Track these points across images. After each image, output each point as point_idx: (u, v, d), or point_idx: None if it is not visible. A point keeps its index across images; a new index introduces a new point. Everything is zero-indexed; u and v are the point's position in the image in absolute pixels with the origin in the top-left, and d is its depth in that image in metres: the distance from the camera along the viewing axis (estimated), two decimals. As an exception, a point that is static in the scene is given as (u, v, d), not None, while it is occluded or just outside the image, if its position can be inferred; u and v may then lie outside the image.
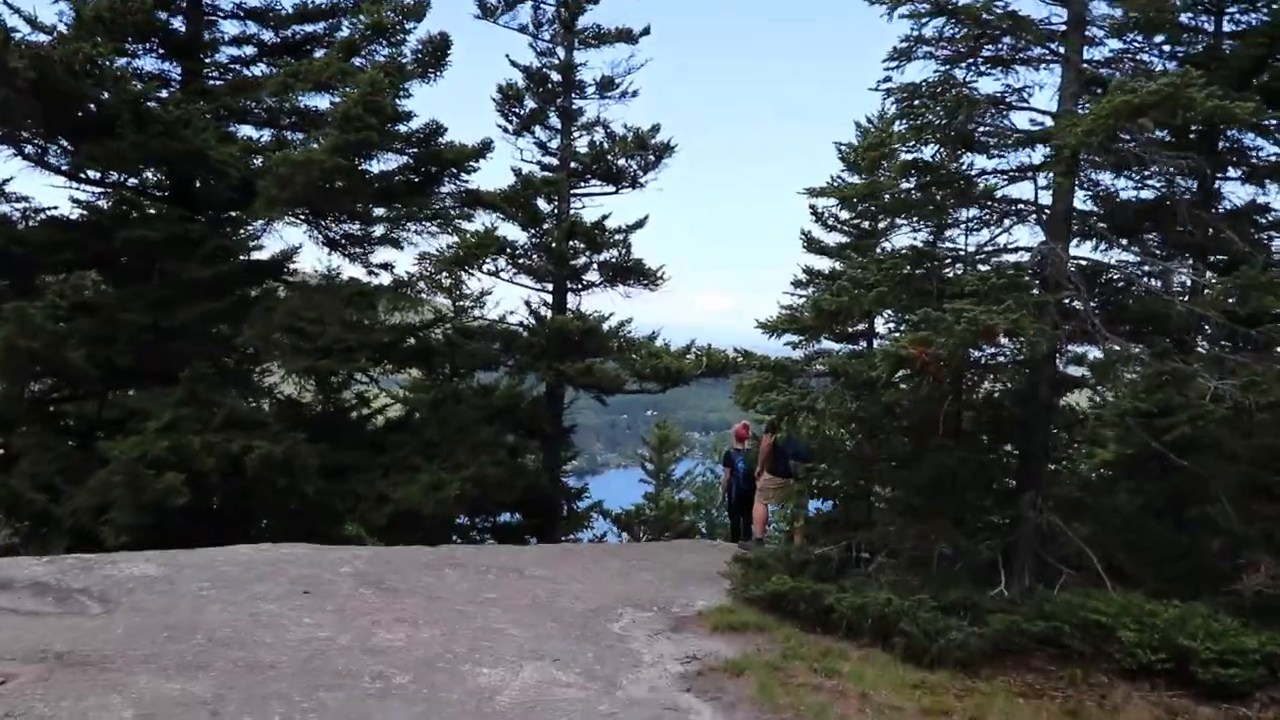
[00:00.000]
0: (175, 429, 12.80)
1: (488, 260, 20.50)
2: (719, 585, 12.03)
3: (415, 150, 16.21)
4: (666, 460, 48.72)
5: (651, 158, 20.53)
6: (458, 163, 16.11)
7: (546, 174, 19.78)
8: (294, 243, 16.33)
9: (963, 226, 12.63)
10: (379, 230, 16.74)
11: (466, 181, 17.04)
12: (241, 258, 16.28)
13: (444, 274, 13.31)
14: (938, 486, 11.75)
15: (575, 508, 22.33)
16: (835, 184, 17.10)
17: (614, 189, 20.88)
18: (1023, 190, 26.77)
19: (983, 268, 11.42)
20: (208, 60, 16.99)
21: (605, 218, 19.96)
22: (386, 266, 15.84)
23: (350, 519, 13.59)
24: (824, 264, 21.40)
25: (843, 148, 20.90)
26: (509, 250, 20.51)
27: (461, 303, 23.17)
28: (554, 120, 20.69)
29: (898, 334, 11.45)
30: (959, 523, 11.63)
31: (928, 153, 12.16)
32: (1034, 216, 11.84)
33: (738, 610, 10.47)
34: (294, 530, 14.24)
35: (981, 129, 11.90)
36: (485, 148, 16.46)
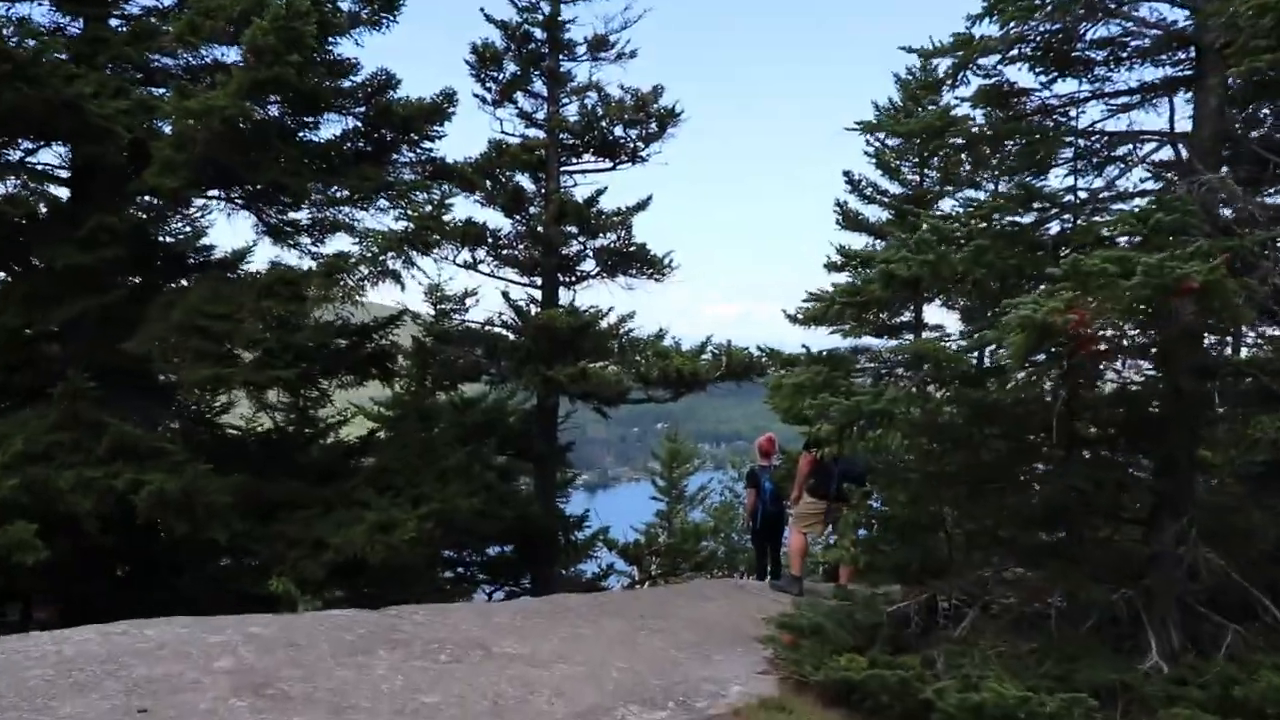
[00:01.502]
0: (40, 460, 9.79)
1: (464, 250, 17.54)
2: (755, 654, 8.97)
3: (363, 110, 13.18)
4: (678, 476, 45.80)
5: (654, 126, 17.42)
6: (414, 122, 13.04)
7: (529, 140, 16.68)
8: (247, 239, 12.87)
9: (1063, 169, 9.60)
10: (331, 215, 13.66)
11: (429, 150, 14.00)
12: (166, 242, 13.26)
13: (391, 256, 10.24)
14: (1052, 515, 8.65)
15: (575, 539, 19.23)
16: (893, 115, 14.10)
17: (610, 164, 17.79)
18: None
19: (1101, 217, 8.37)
20: (115, 13, 13.95)
21: (600, 193, 16.88)
22: (314, 241, 12.75)
23: (279, 572, 10.56)
24: (862, 242, 18.36)
25: (883, 103, 17.80)
26: (490, 239, 17.47)
27: (443, 305, 20.23)
28: (539, 86, 17.62)
29: (1008, 308, 8.38)
30: (1074, 561, 8.54)
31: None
32: (1160, 148, 8.81)
33: (790, 704, 7.35)
34: (223, 592, 11.22)
35: (1091, 36, 8.88)
36: (447, 101, 13.34)
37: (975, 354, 8.66)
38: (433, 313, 19.68)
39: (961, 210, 8.54)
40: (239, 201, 14.04)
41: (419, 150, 13.86)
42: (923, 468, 9.40)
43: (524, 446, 17.69)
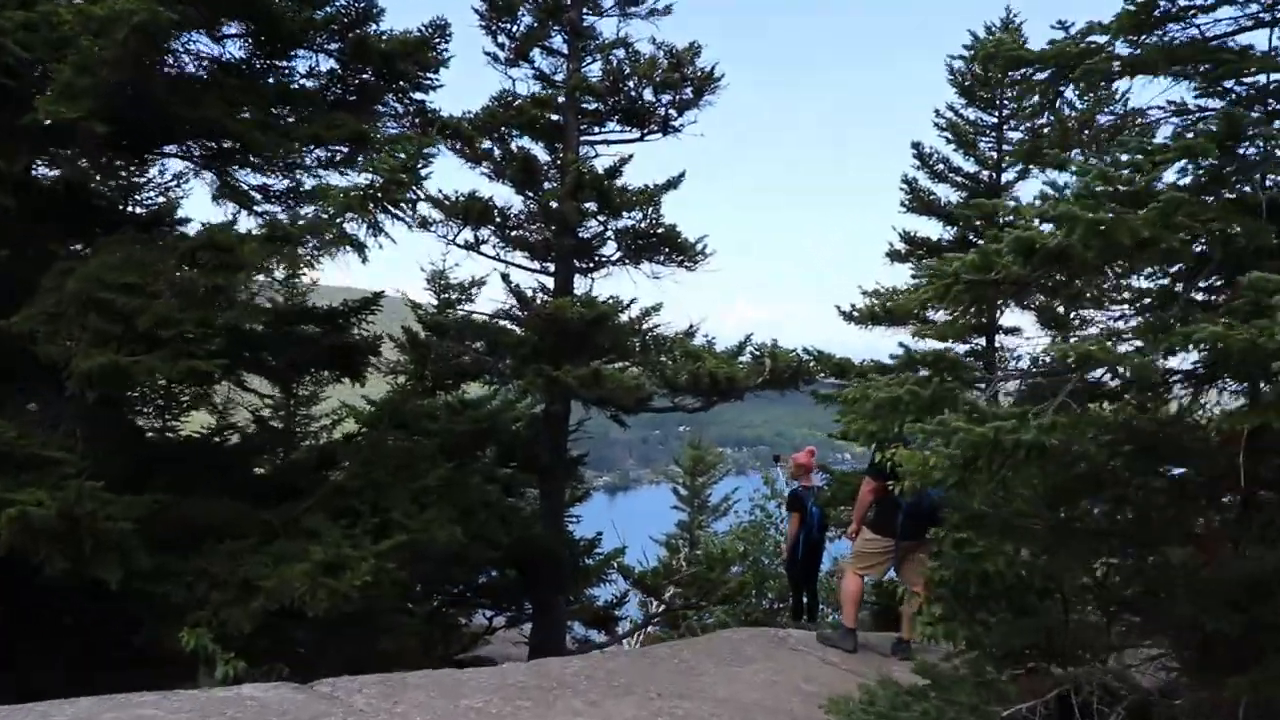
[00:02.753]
0: None
1: (466, 229, 15.16)
2: (815, 763, 6.53)
3: (338, 47, 10.79)
4: (701, 485, 43.42)
5: (689, 91, 14.99)
6: (398, 62, 10.62)
7: (541, 95, 14.23)
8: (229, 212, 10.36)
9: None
10: (306, 179, 11.25)
11: (421, 102, 11.58)
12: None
13: (352, 218, 7.86)
14: (1255, 589, 6.14)
15: (586, 563, 16.80)
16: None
17: (638, 134, 15.35)
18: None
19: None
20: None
21: (624, 162, 14.42)
22: (287, 209, 10.27)
23: (196, 621, 8.17)
24: (933, 229, 15.77)
25: (959, 61, 15.17)
26: (497, 217, 15.08)
27: (447, 294, 17.87)
28: (558, 42, 15.24)
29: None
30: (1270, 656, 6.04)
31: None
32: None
33: None
34: (118, 646, 8.86)
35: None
36: (437, 34, 10.81)
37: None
38: (435, 303, 17.39)
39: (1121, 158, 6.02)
40: (198, 160, 11.68)
41: (408, 101, 11.46)
42: (1050, 515, 6.92)
43: (529, 457, 15.28)
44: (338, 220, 8.00)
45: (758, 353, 12.96)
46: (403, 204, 8.34)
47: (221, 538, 8.93)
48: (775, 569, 21.84)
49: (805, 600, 12.55)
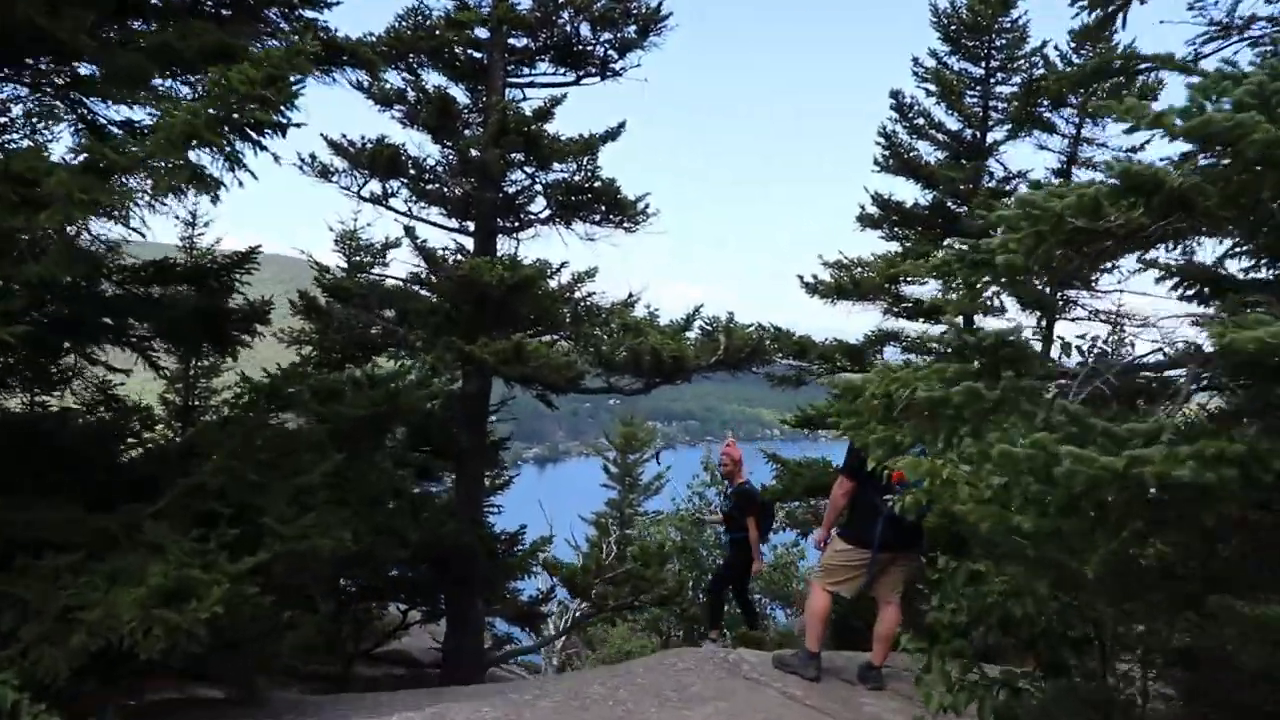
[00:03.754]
0: None
1: (373, 181, 13.23)
2: None
3: (206, -53, 8.77)
4: (632, 465, 41.94)
5: (632, 30, 13.17)
6: (279, -35, 8.68)
7: (460, 17, 12.25)
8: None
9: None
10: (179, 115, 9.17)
11: (314, 19, 9.58)
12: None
13: (196, 145, 5.92)
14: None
15: (507, 556, 15.01)
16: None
17: (573, 76, 13.50)
18: None
19: None
20: None
21: (557, 102, 12.58)
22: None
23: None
24: (909, 191, 14.12)
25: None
26: (412, 168, 13.17)
27: (358, 257, 15.90)
28: (481, -32, 13.30)
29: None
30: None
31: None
32: None
33: None
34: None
35: None
36: None
37: None
38: (345, 266, 15.43)
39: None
40: (48, 90, 9.57)
41: (295, 20, 9.46)
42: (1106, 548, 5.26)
43: (445, 440, 13.45)
44: (178, 147, 6.10)
45: (709, 327, 11.24)
46: (270, 130, 6.45)
47: (40, 551, 7.01)
48: (713, 563, 20.29)
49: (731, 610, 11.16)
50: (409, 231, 11.94)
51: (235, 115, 6.15)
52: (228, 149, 6.26)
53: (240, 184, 6.49)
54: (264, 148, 6.49)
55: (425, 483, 14.86)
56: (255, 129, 6.30)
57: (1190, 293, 4.52)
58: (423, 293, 12.33)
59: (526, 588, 17.21)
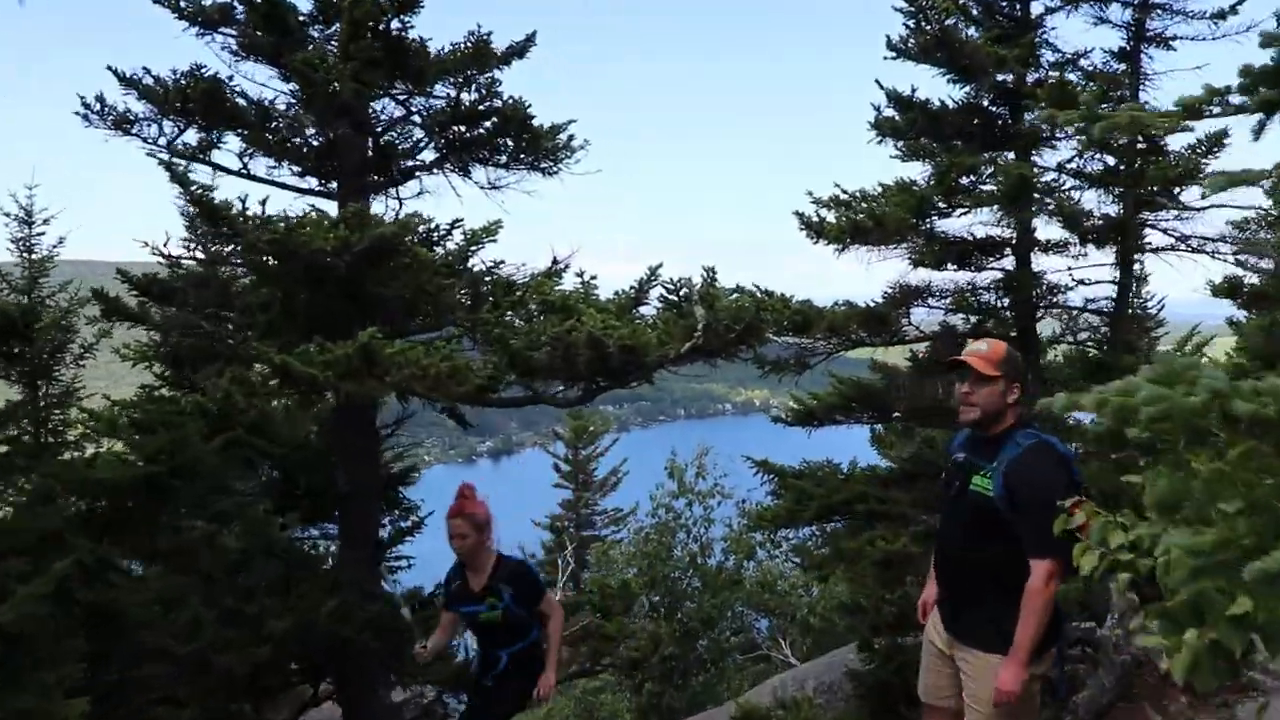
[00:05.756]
0: None
1: (191, 130, 9.46)
2: None
3: None
4: (585, 460, 38.59)
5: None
6: None
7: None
8: None
9: None
10: None
11: None
12: None
13: None
14: None
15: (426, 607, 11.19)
16: None
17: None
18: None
19: None
20: None
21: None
22: None
23: None
24: (935, 87, 10.08)
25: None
26: (241, 109, 9.39)
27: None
28: None
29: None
30: None
31: None
32: None
33: None
34: None
35: None
36: None
37: None
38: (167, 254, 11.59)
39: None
40: None
41: None
42: None
43: (314, 486, 9.70)
44: None
45: (676, 299, 7.43)
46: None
47: None
48: (687, 586, 16.76)
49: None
50: (175, 176, 7.92)
51: None
52: None
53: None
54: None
55: (310, 534, 11.12)
56: None
57: None
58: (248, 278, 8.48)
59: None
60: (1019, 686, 4.22)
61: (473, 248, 7.80)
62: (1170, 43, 9.86)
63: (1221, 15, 9.49)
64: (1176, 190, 9.48)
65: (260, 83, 9.66)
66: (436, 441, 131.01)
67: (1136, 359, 9.29)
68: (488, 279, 8.08)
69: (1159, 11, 9.62)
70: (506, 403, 7.93)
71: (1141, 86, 9.55)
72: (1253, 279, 12.16)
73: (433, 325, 7.82)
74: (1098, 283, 9.80)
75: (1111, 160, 9.44)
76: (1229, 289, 16.73)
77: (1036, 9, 9.37)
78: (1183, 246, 9.79)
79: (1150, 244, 9.60)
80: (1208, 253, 10.06)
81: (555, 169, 9.37)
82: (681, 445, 19.45)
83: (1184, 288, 11.65)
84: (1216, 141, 9.57)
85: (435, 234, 8.28)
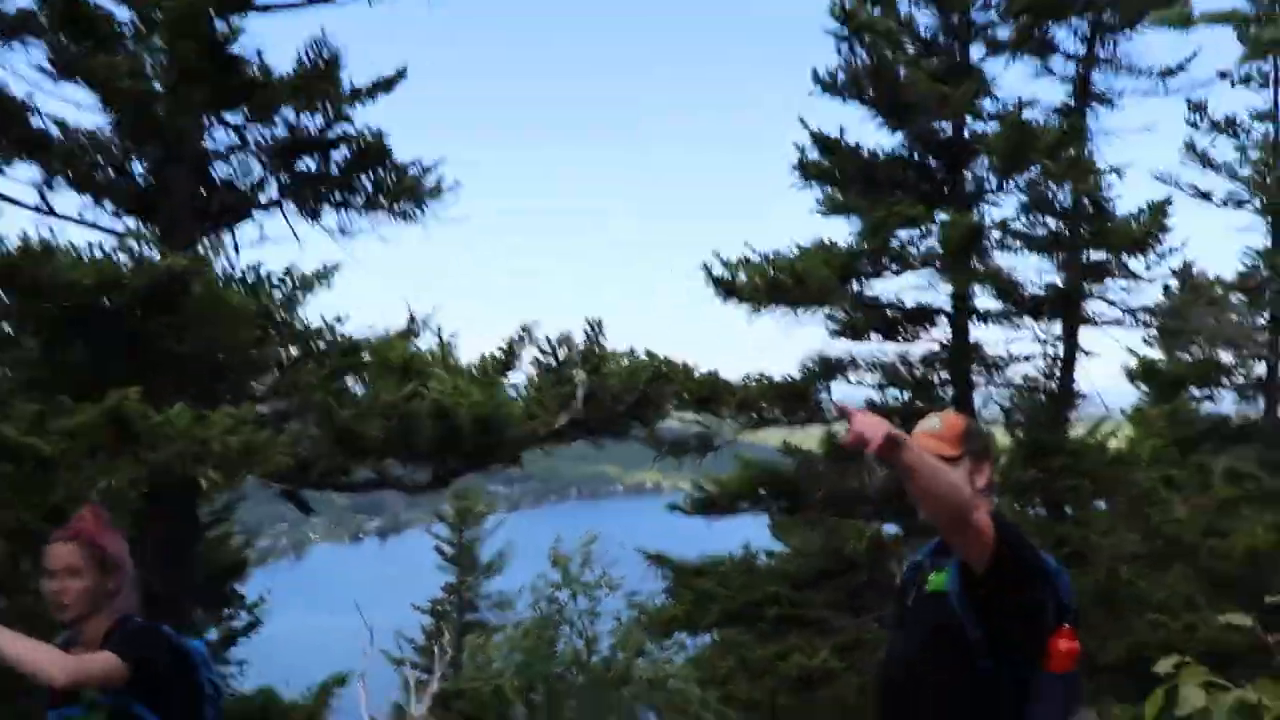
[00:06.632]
0: None
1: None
2: None
3: None
4: (469, 542, 36.84)
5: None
6: None
7: None
8: None
9: None
10: None
11: None
12: None
13: None
14: None
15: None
16: None
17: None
18: None
19: None
20: None
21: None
22: None
23: None
24: (859, 134, 8.74)
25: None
26: (62, 143, 7.82)
27: None
28: None
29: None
30: None
31: None
32: None
33: None
34: None
35: None
36: None
37: None
38: None
39: None
40: None
41: None
42: None
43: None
44: None
45: (553, 360, 5.91)
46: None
47: None
48: (571, 685, 15.10)
49: None
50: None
51: None
52: None
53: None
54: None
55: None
56: None
57: None
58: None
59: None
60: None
61: (302, 294, 6.25)
62: (1115, 101, 8.96)
63: (1170, 72, 8.62)
64: (1124, 258, 8.47)
65: (77, 103, 8.14)
66: (322, 519, 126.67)
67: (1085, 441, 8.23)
68: (325, 337, 6.54)
69: (1104, 65, 8.68)
70: (344, 487, 6.37)
71: (1089, 146, 8.60)
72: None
73: (243, 390, 6.25)
74: (1027, 358, 8.78)
75: (1053, 224, 8.41)
76: (1145, 373, 15.84)
77: (976, 53, 8.31)
78: (1129, 320, 8.76)
79: (1097, 316, 8.54)
80: (1151, 325, 9.10)
81: (418, 213, 7.93)
82: (572, 528, 17.99)
83: (1104, 366, 10.85)
84: (1160, 210, 8.64)
85: (265, 280, 6.73)
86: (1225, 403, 15.57)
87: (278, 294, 6.06)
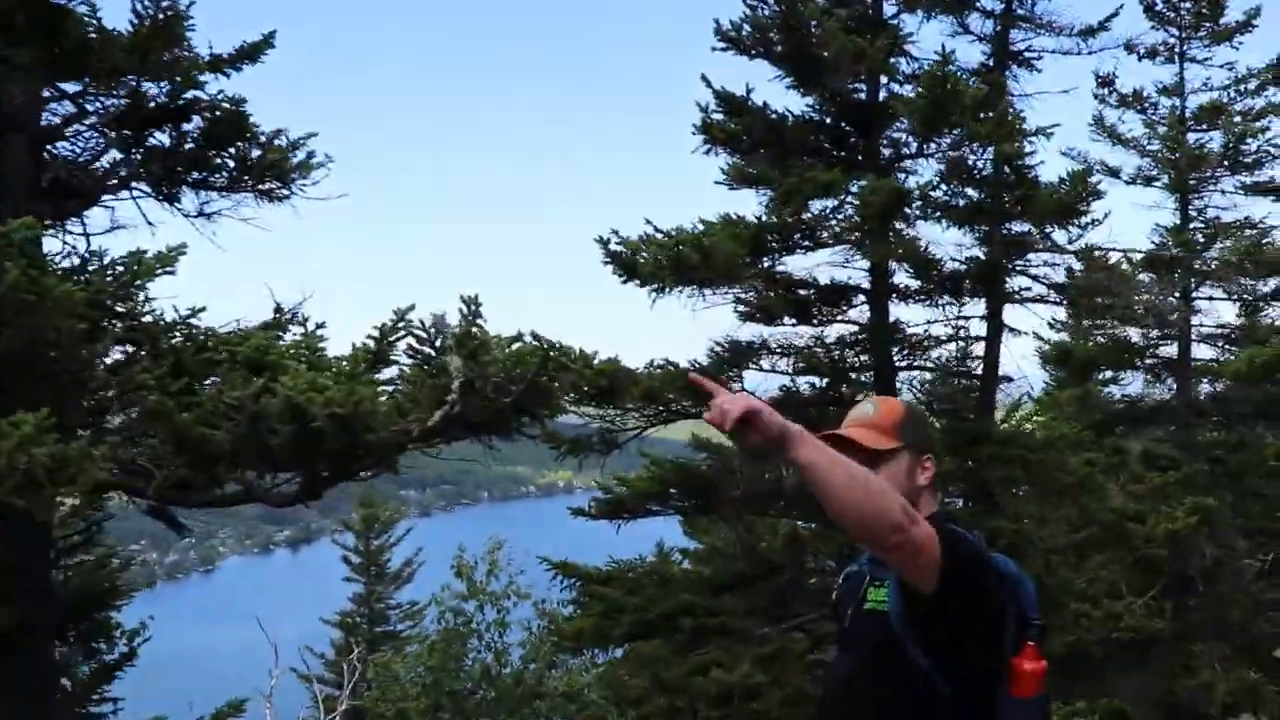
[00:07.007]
0: None
1: None
2: None
3: None
4: (377, 551, 35.86)
5: None
6: None
7: None
8: None
9: None
10: None
11: None
12: None
13: None
14: None
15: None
16: None
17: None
18: None
19: None
20: None
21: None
22: None
23: None
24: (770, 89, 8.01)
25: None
26: None
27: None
28: None
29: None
30: None
31: None
32: None
33: None
34: None
35: None
36: None
37: None
38: None
39: None
40: None
41: None
42: None
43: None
44: None
45: (428, 348, 5.20)
46: None
47: None
48: (481, 701, 14.36)
49: None
50: None
51: None
52: None
53: None
54: None
55: None
56: None
57: None
58: None
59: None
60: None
61: (137, 281, 5.41)
62: (1035, 63, 8.51)
63: (1091, 31, 8.19)
64: (1049, 229, 8.00)
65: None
66: (232, 531, 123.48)
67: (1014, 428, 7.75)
68: (175, 333, 5.74)
69: (1023, 24, 8.21)
70: (197, 503, 5.59)
71: (1011, 108, 8.12)
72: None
73: (70, 394, 5.39)
74: (950, 339, 8.29)
75: (974, 193, 7.91)
76: (1059, 356, 15.52)
77: (890, 10, 7.79)
78: (1053, 296, 8.32)
79: (1021, 291, 8.07)
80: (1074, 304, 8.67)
81: (286, 193, 7.16)
82: (483, 532, 17.34)
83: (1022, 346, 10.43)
84: (1083, 178, 8.21)
85: (97, 261, 5.88)
86: (1133, 385, 15.45)
87: (109, 278, 5.24)
